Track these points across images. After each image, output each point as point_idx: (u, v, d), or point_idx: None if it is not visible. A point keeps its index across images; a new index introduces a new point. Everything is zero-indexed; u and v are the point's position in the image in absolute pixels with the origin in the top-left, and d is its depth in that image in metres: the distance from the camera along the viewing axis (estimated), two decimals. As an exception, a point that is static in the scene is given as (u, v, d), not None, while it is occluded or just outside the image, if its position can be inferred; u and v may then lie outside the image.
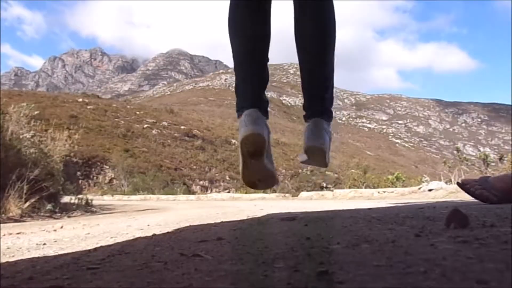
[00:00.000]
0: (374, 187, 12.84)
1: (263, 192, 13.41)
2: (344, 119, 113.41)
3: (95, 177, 29.63)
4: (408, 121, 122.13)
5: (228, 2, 1.63)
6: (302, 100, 1.63)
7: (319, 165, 1.69)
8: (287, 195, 11.63)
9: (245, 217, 2.37)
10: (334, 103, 1.64)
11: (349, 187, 14.61)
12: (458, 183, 2.11)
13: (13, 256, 1.37)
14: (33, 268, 0.96)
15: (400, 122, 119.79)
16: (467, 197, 1.89)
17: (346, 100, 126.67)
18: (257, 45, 1.58)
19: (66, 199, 5.79)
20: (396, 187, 10.78)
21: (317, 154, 1.53)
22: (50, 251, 1.43)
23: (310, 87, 1.59)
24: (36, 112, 5.77)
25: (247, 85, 1.59)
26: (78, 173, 27.95)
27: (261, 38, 1.59)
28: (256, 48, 1.58)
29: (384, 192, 8.33)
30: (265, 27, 1.59)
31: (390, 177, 15.98)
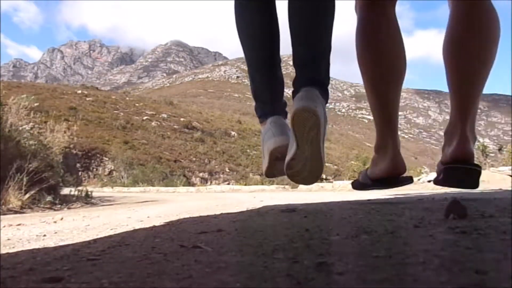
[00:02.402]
0: (373, 179, 12.80)
1: (263, 184, 13.44)
2: (343, 110, 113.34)
3: (94, 169, 29.65)
4: (407, 112, 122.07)
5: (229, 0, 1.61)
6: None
7: (311, 166, 1.36)
8: (286, 186, 11.65)
9: (244, 209, 2.38)
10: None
11: (349, 179, 14.64)
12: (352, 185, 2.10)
13: (13, 247, 1.37)
14: (33, 259, 0.96)
15: (399, 113, 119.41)
16: (465, 189, 1.89)
17: (345, 92, 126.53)
18: (270, 48, 1.56)
19: (66, 190, 5.79)
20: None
21: (308, 121, 1.26)
22: (50, 243, 1.43)
23: (303, 52, 1.41)
24: (35, 104, 5.76)
25: (266, 92, 1.57)
26: (78, 165, 27.97)
27: (272, 39, 1.57)
28: (270, 51, 1.56)
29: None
30: (274, 27, 1.57)
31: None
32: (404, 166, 1.71)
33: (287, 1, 1.49)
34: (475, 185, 1.55)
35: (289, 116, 1.46)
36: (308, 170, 1.37)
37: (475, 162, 1.55)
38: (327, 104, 1.43)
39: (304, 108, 1.25)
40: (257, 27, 1.57)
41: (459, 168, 1.49)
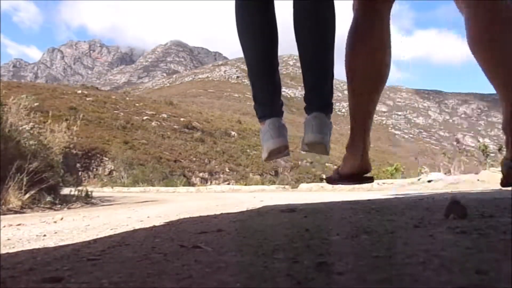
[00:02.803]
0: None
1: (263, 184, 13.42)
2: (343, 110, 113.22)
3: (94, 169, 29.65)
4: (407, 112, 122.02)
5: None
6: (302, 92, 1.66)
7: (320, 153, 1.73)
8: (286, 186, 11.64)
9: (244, 209, 2.38)
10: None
11: (349, 179, 14.58)
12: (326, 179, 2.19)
13: (13, 247, 1.37)
14: (33, 259, 0.96)
15: (399, 113, 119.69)
16: (466, 188, 1.88)
17: (345, 92, 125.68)
18: (269, 49, 1.65)
19: (66, 190, 5.79)
20: (395, 178, 10.79)
21: (317, 148, 1.58)
22: (50, 243, 1.43)
23: (310, 78, 1.62)
24: (35, 104, 5.76)
25: (265, 95, 1.70)
26: (78, 165, 27.96)
27: (272, 41, 1.64)
28: (269, 53, 1.66)
29: (384, 183, 8.34)
30: (274, 28, 1.64)
31: (389, 168, 15.99)
32: (370, 166, 1.82)
33: (286, 1, 1.54)
34: None
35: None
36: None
37: None
38: None
39: (315, 142, 1.52)
40: (257, 28, 1.63)
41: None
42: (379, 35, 1.63)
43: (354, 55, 1.66)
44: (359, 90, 1.68)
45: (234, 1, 1.66)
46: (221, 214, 2.05)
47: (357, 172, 1.77)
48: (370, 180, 1.89)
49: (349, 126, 1.77)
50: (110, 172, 28.42)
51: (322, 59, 1.60)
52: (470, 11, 1.54)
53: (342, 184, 1.92)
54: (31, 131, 5.27)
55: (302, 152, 1.72)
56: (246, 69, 1.70)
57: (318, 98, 1.61)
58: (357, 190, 7.51)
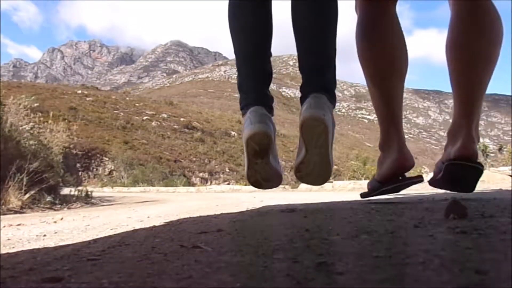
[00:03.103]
0: (373, 179, 12.80)
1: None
2: (343, 110, 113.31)
3: (94, 169, 29.68)
4: (407, 112, 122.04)
5: None
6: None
7: (320, 169, 1.41)
8: (286, 186, 11.64)
9: (244, 209, 2.38)
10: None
11: (349, 179, 14.64)
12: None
13: (13, 247, 1.37)
14: (33, 259, 0.96)
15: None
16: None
17: (345, 92, 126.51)
18: (260, 40, 1.53)
19: (66, 191, 5.80)
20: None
21: (316, 129, 1.29)
22: (50, 243, 1.43)
23: (310, 60, 1.43)
24: (35, 104, 5.76)
25: (250, 82, 1.53)
26: (78, 165, 27.99)
27: (263, 33, 1.55)
28: (259, 43, 1.53)
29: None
30: (267, 21, 1.56)
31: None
32: (413, 160, 1.67)
33: (286, 1, 1.50)
34: (472, 186, 1.53)
35: (296, 120, 1.45)
36: (317, 174, 1.42)
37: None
38: None
39: (312, 116, 1.27)
40: (250, 18, 1.54)
41: (462, 165, 1.46)
42: (386, 26, 1.60)
43: (365, 45, 1.61)
44: (378, 76, 1.59)
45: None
46: (221, 214, 2.05)
47: (399, 169, 1.64)
48: (419, 179, 1.73)
49: (373, 126, 1.64)
50: (110, 172, 28.45)
51: (322, 42, 1.43)
52: (453, 14, 1.55)
53: (385, 191, 1.73)
54: (31, 131, 5.27)
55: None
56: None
57: (318, 81, 1.39)
58: (357, 190, 7.51)
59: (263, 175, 1.48)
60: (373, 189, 1.79)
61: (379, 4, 1.61)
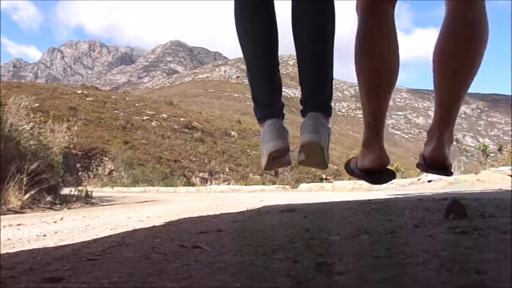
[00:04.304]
0: (373, 179, 12.80)
1: (263, 184, 13.43)
2: (343, 110, 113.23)
3: (94, 169, 29.66)
4: (407, 112, 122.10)
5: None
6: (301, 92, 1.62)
7: (318, 165, 1.63)
8: (286, 186, 11.64)
9: (244, 209, 2.38)
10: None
11: (349, 179, 14.62)
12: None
13: (13, 247, 1.37)
14: (33, 259, 0.96)
15: (399, 113, 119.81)
16: (466, 189, 1.87)
17: (345, 92, 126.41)
18: (269, 49, 1.60)
19: (66, 191, 5.79)
20: (395, 178, 10.77)
21: (314, 151, 1.49)
22: (50, 243, 1.43)
23: (308, 79, 1.56)
24: (36, 104, 5.76)
25: (265, 94, 1.64)
26: (78, 165, 27.96)
27: (272, 41, 1.60)
28: (268, 53, 1.61)
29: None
30: (274, 28, 1.61)
31: (389, 168, 15.96)
32: (388, 159, 1.80)
33: (286, 1, 1.52)
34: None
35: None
36: (314, 166, 1.62)
37: (450, 164, 1.65)
38: None
39: (311, 142, 1.44)
40: (257, 28, 1.60)
41: (433, 172, 1.59)
42: (387, 33, 1.65)
43: (363, 54, 1.66)
44: (373, 91, 1.69)
45: (233, 1, 1.65)
46: (221, 214, 2.05)
47: (376, 166, 1.78)
48: (391, 174, 1.86)
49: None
50: (110, 172, 28.43)
51: (322, 59, 1.55)
52: (446, 17, 1.59)
53: (363, 179, 1.91)
54: (31, 131, 5.27)
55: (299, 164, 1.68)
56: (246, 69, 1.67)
57: (317, 99, 1.55)
58: (357, 190, 7.51)
59: (277, 165, 1.65)
60: (355, 173, 1.93)
61: (380, 8, 1.63)
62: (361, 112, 1.78)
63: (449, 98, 1.59)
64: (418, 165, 1.80)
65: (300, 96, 1.60)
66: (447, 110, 1.59)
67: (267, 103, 1.63)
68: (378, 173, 1.82)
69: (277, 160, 1.57)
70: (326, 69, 1.56)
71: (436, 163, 1.56)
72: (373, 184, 1.89)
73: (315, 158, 1.53)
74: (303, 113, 1.55)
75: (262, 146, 1.59)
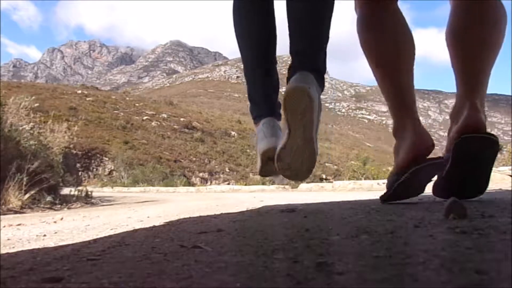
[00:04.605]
0: (373, 179, 12.87)
1: (263, 184, 13.44)
2: (343, 110, 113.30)
3: (94, 169, 29.69)
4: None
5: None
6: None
7: (304, 153, 1.31)
8: (286, 186, 11.64)
9: (244, 209, 2.38)
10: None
11: (349, 179, 14.64)
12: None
13: (13, 247, 1.37)
14: (33, 259, 0.96)
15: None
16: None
17: (345, 92, 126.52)
18: (267, 48, 1.56)
19: (66, 191, 5.79)
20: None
21: (300, 101, 1.22)
22: (50, 243, 1.43)
23: (301, 42, 1.39)
24: (36, 104, 5.76)
25: (261, 93, 1.57)
26: (78, 165, 27.98)
27: (269, 39, 1.57)
28: (266, 51, 1.56)
29: (384, 183, 8.34)
30: (272, 27, 1.58)
31: (390, 168, 15.99)
32: (432, 140, 1.49)
33: (285, 1, 1.50)
34: (487, 174, 1.40)
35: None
36: (300, 162, 1.32)
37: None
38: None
39: (297, 87, 1.21)
40: (255, 26, 1.58)
41: (474, 138, 1.33)
42: (388, 20, 1.58)
43: (369, 35, 1.58)
44: (385, 61, 1.53)
45: (232, 1, 1.65)
46: (221, 214, 2.05)
47: (418, 152, 1.47)
48: (439, 159, 1.50)
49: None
50: (110, 172, 28.45)
51: (320, 27, 1.39)
52: (456, 3, 1.54)
53: (405, 182, 1.54)
54: (31, 131, 5.27)
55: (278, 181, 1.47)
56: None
57: (308, 61, 1.35)
58: (357, 190, 7.51)
59: (274, 170, 1.50)
60: (391, 184, 1.62)
61: (379, 4, 1.61)
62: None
63: (469, 72, 1.44)
64: (436, 188, 1.54)
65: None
66: (470, 77, 1.43)
67: (262, 102, 1.57)
68: (423, 160, 1.47)
69: (271, 164, 1.41)
70: (322, 38, 1.41)
71: (472, 130, 1.33)
72: (420, 182, 1.56)
73: (301, 131, 1.25)
74: (289, 76, 1.33)
75: (256, 146, 1.51)
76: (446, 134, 1.56)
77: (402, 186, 1.56)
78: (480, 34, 1.43)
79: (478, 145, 1.34)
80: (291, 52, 1.40)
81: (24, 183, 4.24)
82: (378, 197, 1.84)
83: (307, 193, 7.05)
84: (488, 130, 1.44)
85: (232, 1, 1.64)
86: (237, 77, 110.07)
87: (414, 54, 1.55)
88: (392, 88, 1.55)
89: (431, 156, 1.52)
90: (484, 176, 1.44)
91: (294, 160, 1.31)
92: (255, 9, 1.57)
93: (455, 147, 1.38)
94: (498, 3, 1.48)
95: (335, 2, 1.48)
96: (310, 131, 1.26)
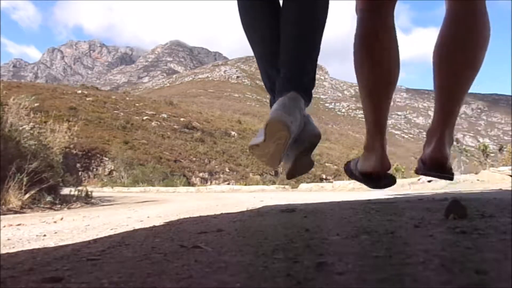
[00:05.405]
0: (373, 179, 12.81)
1: (263, 184, 13.43)
2: (343, 110, 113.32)
3: (94, 169, 29.67)
4: (407, 112, 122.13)
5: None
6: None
7: (272, 159, 1.35)
8: (286, 186, 11.64)
9: (244, 209, 2.38)
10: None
11: (349, 179, 14.62)
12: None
13: (13, 247, 1.37)
14: (33, 260, 0.96)
15: (399, 113, 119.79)
16: (466, 188, 1.86)
17: (345, 92, 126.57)
18: (276, 44, 1.57)
19: (66, 190, 5.79)
20: (395, 178, 10.76)
21: (279, 129, 1.24)
22: (50, 243, 1.43)
23: (292, 53, 1.39)
24: (35, 104, 5.76)
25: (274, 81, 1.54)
26: (78, 165, 27.99)
27: (278, 37, 1.57)
28: (276, 47, 1.57)
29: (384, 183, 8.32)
30: (279, 25, 1.58)
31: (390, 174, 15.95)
32: (389, 164, 1.78)
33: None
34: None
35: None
36: (266, 162, 1.38)
37: (451, 166, 1.60)
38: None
39: (280, 121, 1.24)
40: (262, 24, 1.58)
41: (435, 173, 1.54)
42: (386, 33, 1.63)
43: (363, 54, 1.64)
44: (374, 90, 1.65)
45: (234, 1, 1.65)
46: (221, 214, 2.05)
47: (378, 170, 1.76)
48: (392, 180, 1.84)
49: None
50: (110, 172, 28.44)
51: (310, 37, 1.42)
52: (445, 16, 1.58)
53: (362, 183, 1.88)
54: (31, 131, 5.27)
55: (251, 147, 1.41)
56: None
57: (298, 76, 1.35)
58: (357, 190, 7.51)
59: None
60: (354, 175, 1.88)
61: (379, 10, 1.62)
62: (361, 112, 1.75)
63: (450, 95, 1.56)
64: (417, 170, 1.77)
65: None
66: (447, 109, 1.57)
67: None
68: (378, 178, 1.81)
69: (277, 140, 1.30)
70: (314, 48, 1.42)
71: (437, 164, 1.53)
72: (372, 188, 1.88)
73: (274, 146, 1.28)
74: (277, 93, 1.33)
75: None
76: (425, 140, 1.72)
77: (355, 179, 1.87)
78: (466, 58, 1.52)
79: (438, 176, 1.53)
80: (281, 59, 1.40)
81: (24, 183, 4.23)
82: (378, 197, 1.85)
83: (307, 193, 7.05)
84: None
85: (233, 2, 1.64)
86: (237, 77, 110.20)
87: (398, 76, 1.69)
88: (374, 111, 1.74)
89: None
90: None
91: (262, 157, 1.36)
92: (262, 6, 1.57)
93: (422, 172, 1.59)
94: (487, 20, 1.51)
95: (335, 2, 1.49)
96: (281, 149, 1.29)
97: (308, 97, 1.37)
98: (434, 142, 1.54)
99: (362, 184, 1.90)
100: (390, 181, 1.84)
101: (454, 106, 1.57)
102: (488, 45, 1.53)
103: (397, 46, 1.67)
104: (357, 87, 1.65)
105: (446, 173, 1.54)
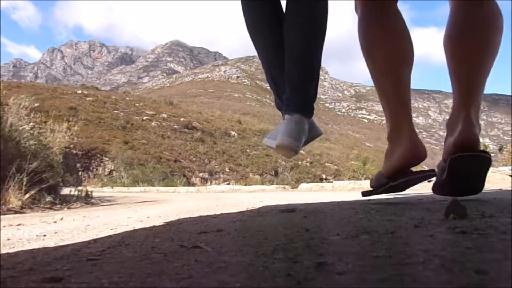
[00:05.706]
0: (373, 179, 12.81)
1: (263, 184, 13.44)
2: (343, 110, 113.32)
3: (94, 169, 29.67)
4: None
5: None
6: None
7: (287, 157, 1.66)
8: (286, 186, 11.64)
9: (244, 209, 2.38)
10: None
11: (349, 179, 14.64)
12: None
13: (13, 247, 1.37)
14: (33, 259, 0.96)
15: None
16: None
17: (345, 92, 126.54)
18: (280, 47, 1.61)
19: (66, 190, 5.79)
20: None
21: (287, 152, 1.55)
22: (50, 243, 1.43)
23: (296, 77, 1.55)
24: (36, 104, 5.76)
25: (281, 86, 1.64)
26: (78, 165, 27.99)
27: (281, 40, 1.61)
28: (280, 50, 1.61)
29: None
30: (281, 28, 1.61)
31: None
32: (425, 151, 1.54)
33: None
34: (481, 181, 1.46)
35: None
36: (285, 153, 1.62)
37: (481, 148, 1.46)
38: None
39: (287, 147, 1.50)
40: (265, 26, 1.62)
41: (467, 156, 1.38)
42: (388, 20, 1.59)
43: (370, 34, 1.59)
44: (386, 63, 1.54)
45: (235, 1, 1.66)
46: (221, 214, 2.05)
47: (410, 160, 1.54)
48: (432, 173, 1.61)
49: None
50: (110, 172, 28.44)
51: (310, 58, 1.54)
52: (455, 8, 1.55)
53: (394, 187, 1.63)
54: (31, 131, 5.27)
55: (265, 144, 1.72)
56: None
57: (302, 99, 1.55)
58: (357, 190, 7.50)
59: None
60: (380, 185, 1.67)
61: (379, 5, 1.61)
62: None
63: (466, 78, 1.46)
64: (435, 188, 1.57)
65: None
66: (466, 92, 1.45)
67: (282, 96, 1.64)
68: (412, 168, 1.57)
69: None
70: (313, 68, 1.56)
71: (466, 147, 1.38)
72: (406, 187, 1.65)
73: (285, 155, 1.59)
74: (287, 111, 1.56)
75: (279, 133, 1.58)
76: (445, 134, 1.58)
77: (388, 190, 1.67)
78: (478, 39, 1.45)
79: (471, 163, 1.41)
80: (287, 79, 1.56)
81: (24, 183, 4.23)
82: (378, 197, 1.84)
83: (307, 193, 7.05)
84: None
85: (233, 2, 1.65)
86: (237, 77, 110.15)
87: (413, 56, 1.57)
88: (391, 87, 1.57)
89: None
90: (479, 184, 1.50)
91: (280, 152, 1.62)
92: (264, 10, 1.61)
93: (450, 164, 1.44)
94: (496, 7, 1.48)
95: (335, 2, 1.51)
96: (289, 157, 1.62)
97: (310, 112, 1.59)
98: (461, 125, 1.40)
99: (362, 184, 1.84)
100: (430, 175, 1.60)
101: (474, 86, 1.45)
102: (501, 31, 1.47)
103: (404, 25, 1.60)
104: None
105: (477, 152, 1.37)
